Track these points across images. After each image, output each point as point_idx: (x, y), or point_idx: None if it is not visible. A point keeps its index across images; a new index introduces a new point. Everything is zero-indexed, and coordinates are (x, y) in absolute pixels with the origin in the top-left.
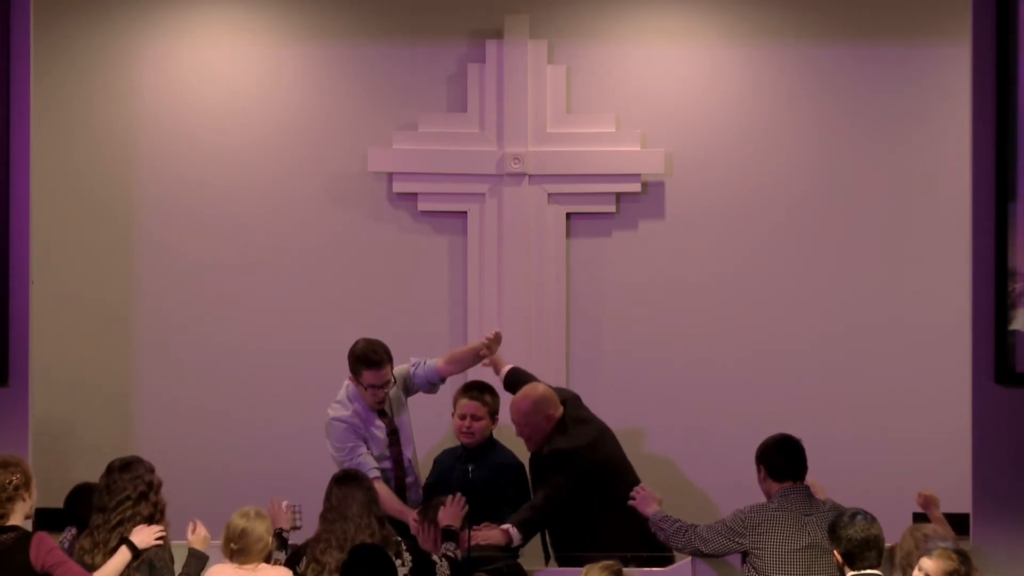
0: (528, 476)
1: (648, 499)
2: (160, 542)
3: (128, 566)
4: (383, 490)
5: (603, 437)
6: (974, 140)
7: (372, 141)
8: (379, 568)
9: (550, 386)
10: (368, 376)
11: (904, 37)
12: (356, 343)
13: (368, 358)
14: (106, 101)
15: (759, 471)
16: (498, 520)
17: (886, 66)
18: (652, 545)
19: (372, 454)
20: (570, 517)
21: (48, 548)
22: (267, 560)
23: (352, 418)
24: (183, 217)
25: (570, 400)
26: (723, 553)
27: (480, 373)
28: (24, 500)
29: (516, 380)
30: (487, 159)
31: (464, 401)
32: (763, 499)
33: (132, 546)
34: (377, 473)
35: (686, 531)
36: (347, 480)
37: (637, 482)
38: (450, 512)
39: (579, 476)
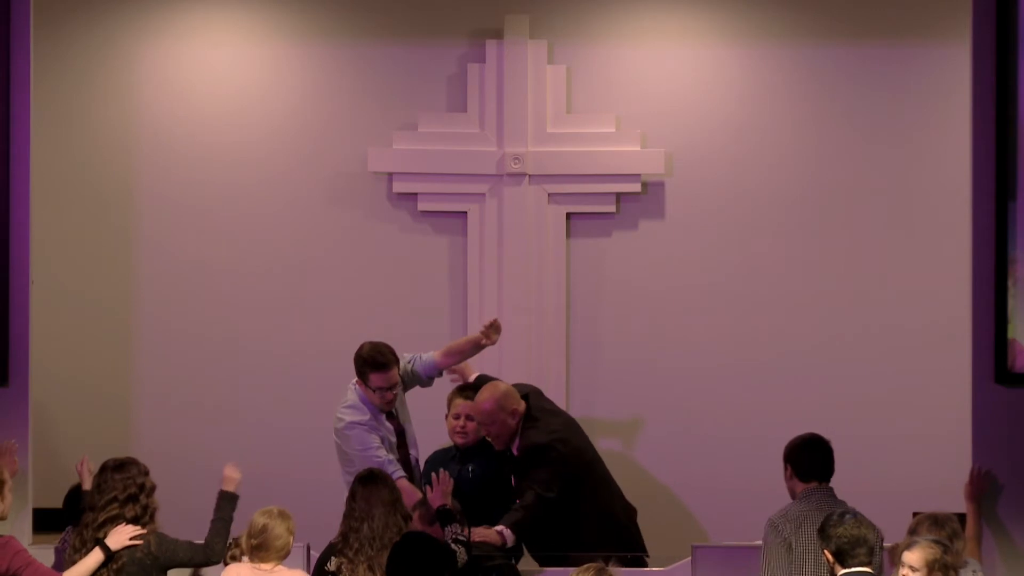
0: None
1: None
2: (136, 542)
3: (102, 567)
4: (412, 489)
5: (572, 428)
6: (974, 140)
7: (372, 141)
8: (429, 557)
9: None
10: (375, 379)
11: (904, 37)
12: (361, 347)
13: (375, 360)
14: (106, 101)
15: (785, 469)
16: (497, 518)
17: (886, 66)
18: (621, 539)
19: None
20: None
21: (14, 551)
22: None
23: (371, 420)
24: (183, 217)
25: (532, 393)
26: (786, 562)
27: (480, 367)
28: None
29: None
30: (487, 159)
31: (459, 401)
32: (771, 497)
33: (105, 547)
34: (402, 473)
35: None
36: (372, 479)
37: (606, 474)
38: (438, 492)
39: (561, 468)
